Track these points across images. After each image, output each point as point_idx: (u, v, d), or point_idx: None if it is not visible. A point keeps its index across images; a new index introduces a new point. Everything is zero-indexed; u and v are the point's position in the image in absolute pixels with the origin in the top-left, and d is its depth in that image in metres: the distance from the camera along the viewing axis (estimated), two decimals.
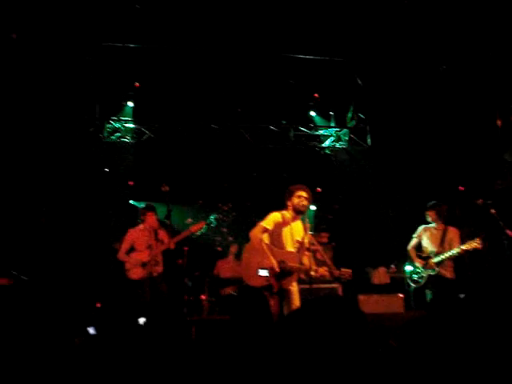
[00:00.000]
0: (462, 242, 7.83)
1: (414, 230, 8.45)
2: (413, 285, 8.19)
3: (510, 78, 9.90)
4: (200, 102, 11.01)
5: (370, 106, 11.37)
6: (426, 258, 8.08)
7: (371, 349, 2.74)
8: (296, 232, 6.89)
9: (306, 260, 6.77)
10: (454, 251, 7.76)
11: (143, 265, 8.42)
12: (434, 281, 7.92)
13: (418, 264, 8.13)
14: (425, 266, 8.04)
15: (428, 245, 8.19)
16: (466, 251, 7.68)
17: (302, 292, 6.94)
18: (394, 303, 8.59)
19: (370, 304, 9.28)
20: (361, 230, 11.46)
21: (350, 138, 11.73)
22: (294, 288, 6.81)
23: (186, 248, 9.30)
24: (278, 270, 6.46)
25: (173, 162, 11.16)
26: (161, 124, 10.99)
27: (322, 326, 2.46)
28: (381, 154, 11.27)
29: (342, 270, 6.81)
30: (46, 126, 9.88)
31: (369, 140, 11.59)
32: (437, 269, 7.91)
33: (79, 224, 10.13)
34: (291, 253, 6.77)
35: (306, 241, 6.74)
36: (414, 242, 8.36)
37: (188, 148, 11.23)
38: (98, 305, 8.85)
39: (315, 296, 7.68)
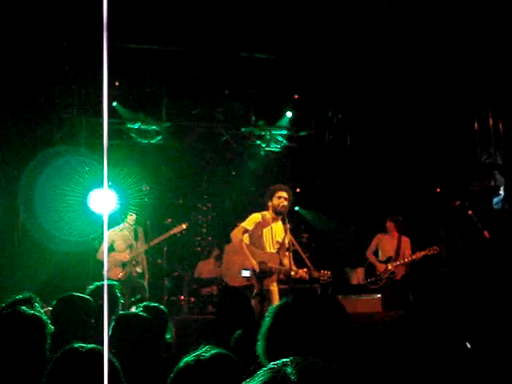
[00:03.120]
0: (419, 249, 8.56)
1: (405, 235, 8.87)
2: (371, 287, 8.83)
3: (488, 79, 10.02)
4: (179, 100, 11.00)
5: (350, 107, 11.42)
6: (385, 262, 8.69)
7: (355, 348, 2.78)
8: (276, 233, 6.92)
9: (286, 261, 6.80)
10: (413, 257, 8.49)
11: (123, 265, 8.36)
12: (392, 283, 8.57)
13: (379, 267, 8.71)
14: (385, 270, 8.64)
15: (385, 251, 8.81)
16: (423, 256, 8.45)
17: (281, 292, 6.98)
18: (373, 303, 8.74)
19: (348, 304, 9.34)
20: (339, 230, 11.52)
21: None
22: (275, 288, 6.84)
23: (165, 248, 9.31)
24: (257, 269, 6.49)
25: (151, 161, 11.12)
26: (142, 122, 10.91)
27: (305, 322, 2.46)
28: (359, 155, 11.33)
29: (322, 271, 6.86)
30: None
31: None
32: (396, 272, 8.57)
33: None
34: (271, 254, 6.80)
35: (287, 241, 6.78)
36: (371, 249, 8.96)
37: (167, 148, 11.20)
38: None
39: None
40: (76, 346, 2.37)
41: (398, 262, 8.54)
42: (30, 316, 2.98)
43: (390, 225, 8.87)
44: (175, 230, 8.60)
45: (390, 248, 8.74)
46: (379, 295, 8.84)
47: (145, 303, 4.37)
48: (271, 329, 2.09)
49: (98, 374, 1.91)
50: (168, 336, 4.30)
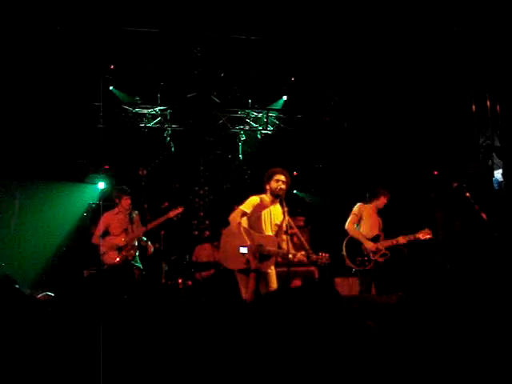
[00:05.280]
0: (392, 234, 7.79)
1: (389, 213, 8.20)
2: (356, 268, 7.82)
3: (485, 62, 9.99)
4: (176, 84, 10.94)
5: (347, 90, 11.37)
6: (373, 241, 7.79)
7: (349, 330, 2.78)
8: (275, 216, 6.91)
9: (284, 244, 6.79)
10: (407, 239, 7.71)
11: (119, 249, 8.35)
12: (383, 265, 7.75)
13: (368, 246, 7.72)
14: (376, 250, 7.73)
15: (371, 226, 7.92)
16: (417, 239, 7.69)
17: (279, 275, 6.98)
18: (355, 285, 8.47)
19: (346, 286, 9.37)
20: (337, 213, 11.52)
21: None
22: (272, 271, 6.84)
23: (162, 232, 9.29)
24: (254, 247, 6.50)
25: (149, 146, 11.10)
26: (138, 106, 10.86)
27: (299, 308, 2.47)
28: (357, 138, 11.30)
29: (320, 253, 6.85)
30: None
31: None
32: (388, 253, 7.74)
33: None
34: (269, 237, 6.79)
35: (285, 225, 6.76)
36: (353, 219, 7.91)
37: (164, 131, 11.16)
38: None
39: (293, 278, 7.76)
40: None
41: (390, 243, 7.73)
42: None
43: (383, 198, 8.00)
44: (171, 214, 8.57)
45: (376, 223, 7.92)
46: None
47: None
48: None
49: None
50: None
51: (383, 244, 7.75)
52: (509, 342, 2.89)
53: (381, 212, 8.13)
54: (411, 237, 7.74)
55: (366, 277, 7.80)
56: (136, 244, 8.48)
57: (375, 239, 7.82)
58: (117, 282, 4.48)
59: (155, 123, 10.95)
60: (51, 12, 9.09)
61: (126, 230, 8.42)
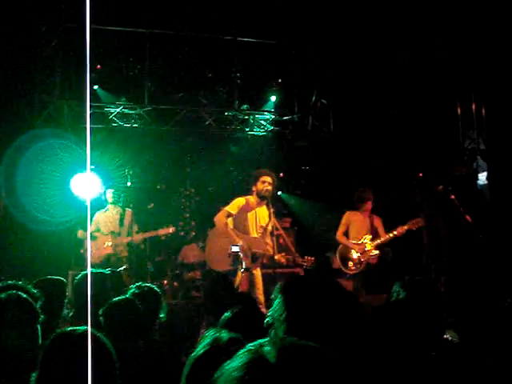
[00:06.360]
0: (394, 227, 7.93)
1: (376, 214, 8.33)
2: (349, 272, 8.03)
3: (470, 65, 10.05)
4: (162, 84, 10.90)
5: (333, 92, 11.39)
6: (360, 244, 8.00)
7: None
8: (261, 217, 6.93)
9: (269, 245, 6.81)
10: (395, 232, 7.84)
11: (105, 254, 8.26)
12: (373, 266, 7.97)
13: (356, 249, 7.98)
14: (363, 252, 7.94)
15: (357, 231, 8.10)
16: (406, 231, 7.83)
17: (264, 277, 7.00)
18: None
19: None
20: (322, 214, 11.53)
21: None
22: (258, 272, 6.86)
23: None
24: (245, 246, 6.52)
25: (134, 146, 11.05)
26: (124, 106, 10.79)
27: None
28: (343, 139, 11.32)
29: (306, 257, 6.90)
30: None
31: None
32: (377, 252, 7.93)
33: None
34: (255, 238, 6.81)
35: (270, 226, 6.78)
36: (342, 229, 8.18)
37: (150, 132, 11.12)
38: None
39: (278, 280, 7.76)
40: (68, 329, 2.39)
41: (378, 241, 7.92)
42: (24, 300, 2.96)
43: (367, 201, 8.10)
44: (161, 232, 8.54)
45: (363, 227, 8.08)
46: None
47: (137, 284, 4.40)
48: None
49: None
50: (162, 315, 4.35)
51: (373, 243, 7.92)
52: (498, 340, 2.92)
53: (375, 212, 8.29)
54: (400, 229, 7.83)
55: (357, 279, 7.98)
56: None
57: (361, 242, 7.98)
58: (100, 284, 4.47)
59: (141, 123, 10.89)
60: (38, 12, 9.04)
61: (113, 233, 8.35)
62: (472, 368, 2.64)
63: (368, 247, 7.94)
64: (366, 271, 7.96)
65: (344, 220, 8.18)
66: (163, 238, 9.17)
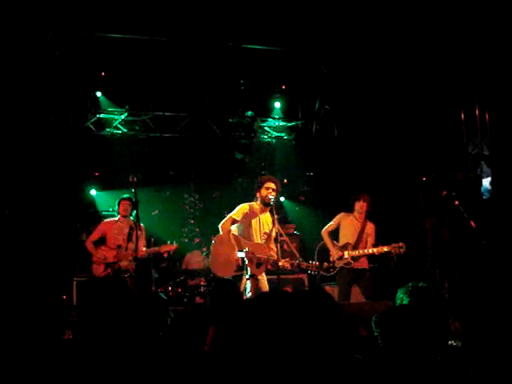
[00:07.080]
0: (382, 242, 7.76)
1: (378, 221, 8.23)
2: (323, 273, 7.85)
3: (475, 70, 10.05)
4: (167, 91, 10.93)
5: (337, 98, 11.40)
6: (341, 249, 7.82)
7: (343, 337, 2.79)
8: (264, 223, 6.95)
9: (273, 251, 6.83)
10: (374, 250, 7.69)
11: (107, 265, 8.22)
12: (349, 273, 7.77)
13: (333, 253, 7.79)
14: (340, 258, 7.75)
15: (346, 235, 7.95)
16: (386, 253, 7.67)
17: (269, 283, 7.01)
18: (358, 293, 8.51)
19: (334, 294, 9.37)
20: (326, 220, 11.54)
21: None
22: (263, 278, 6.88)
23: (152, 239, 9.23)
24: (250, 253, 6.57)
25: (140, 151, 11.10)
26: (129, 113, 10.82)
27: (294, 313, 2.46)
28: (347, 145, 11.32)
29: (310, 262, 6.94)
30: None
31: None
32: (352, 262, 7.73)
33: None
34: (259, 244, 6.83)
35: (274, 232, 6.80)
36: (330, 227, 8.01)
37: (155, 137, 11.16)
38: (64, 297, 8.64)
39: (283, 286, 7.77)
40: None
41: (356, 253, 7.70)
42: None
43: (357, 203, 7.95)
44: (163, 249, 8.55)
45: (352, 232, 7.90)
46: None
47: None
48: None
49: None
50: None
51: (351, 253, 7.74)
52: (502, 344, 2.93)
53: (372, 219, 8.17)
54: (380, 248, 7.67)
55: (343, 285, 7.85)
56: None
57: (344, 247, 7.82)
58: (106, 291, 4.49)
59: (145, 130, 10.93)
60: (42, 19, 9.07)
61: (119, 247, 8.25)
62: (476, 372, 2.65)
63: (346, 255, 7.75)
64: (342, 278, 7.83)
65: (335, 219, 8.06)
66: (165, 255, 9.15)
